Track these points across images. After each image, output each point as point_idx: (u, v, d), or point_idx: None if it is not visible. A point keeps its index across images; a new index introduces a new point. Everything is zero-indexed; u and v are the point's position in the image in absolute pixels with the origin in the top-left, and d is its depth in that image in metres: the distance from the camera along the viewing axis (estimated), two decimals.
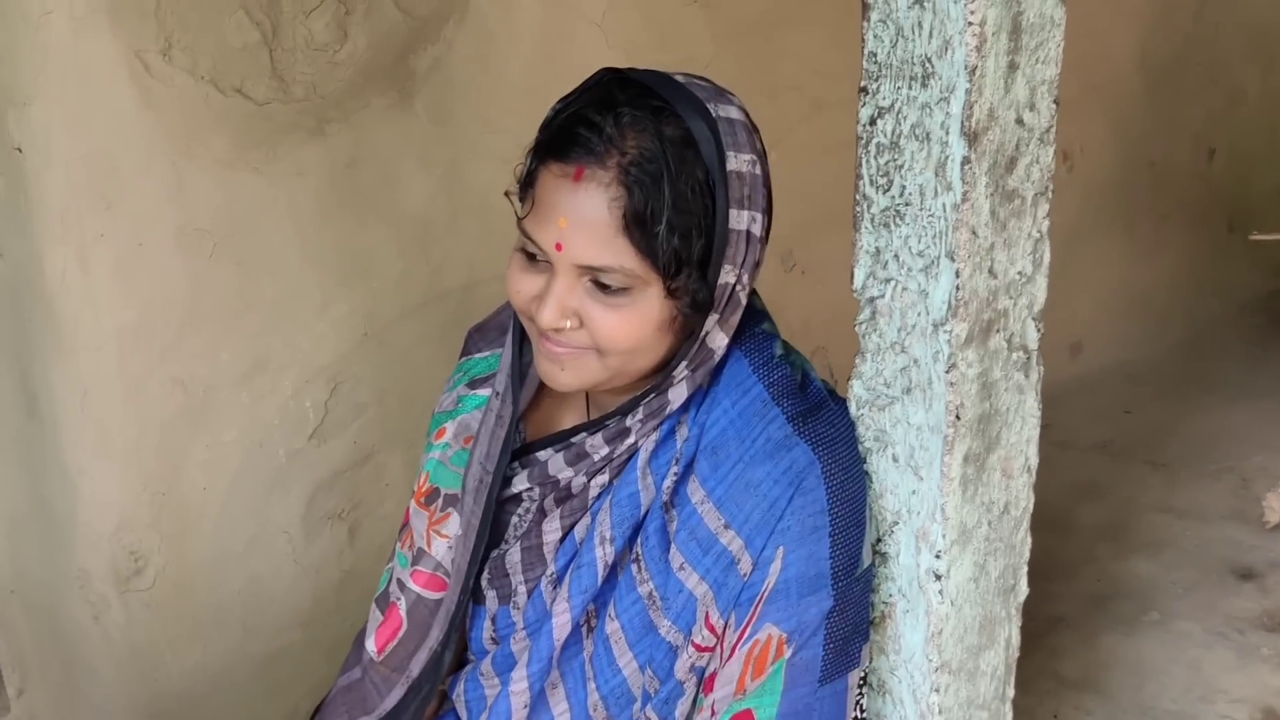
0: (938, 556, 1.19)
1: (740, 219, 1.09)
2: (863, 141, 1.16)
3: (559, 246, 1.06)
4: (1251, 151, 3.76)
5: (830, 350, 2.44)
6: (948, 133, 1.08)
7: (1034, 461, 1.27)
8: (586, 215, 1.04)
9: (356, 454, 1.95)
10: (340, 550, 1.97)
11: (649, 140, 1.05)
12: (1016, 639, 1.34)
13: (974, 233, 1.10)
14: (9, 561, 1.94)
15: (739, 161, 1.08)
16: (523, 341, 1.25)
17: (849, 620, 1.15)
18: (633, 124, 1.05)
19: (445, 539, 1.35)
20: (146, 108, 1.63)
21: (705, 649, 1.15)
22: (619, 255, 1.05)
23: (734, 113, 1.11)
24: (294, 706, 1.92)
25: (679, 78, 1.11)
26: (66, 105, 1.59)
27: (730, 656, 1.13)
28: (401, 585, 1.38)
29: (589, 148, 1.04)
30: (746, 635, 1.12)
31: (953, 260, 1.10)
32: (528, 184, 1.11)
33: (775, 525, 1.11)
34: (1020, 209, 1.14)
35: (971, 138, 1.06)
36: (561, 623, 1.22)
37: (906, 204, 1.13)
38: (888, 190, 1.14)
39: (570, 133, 1.06)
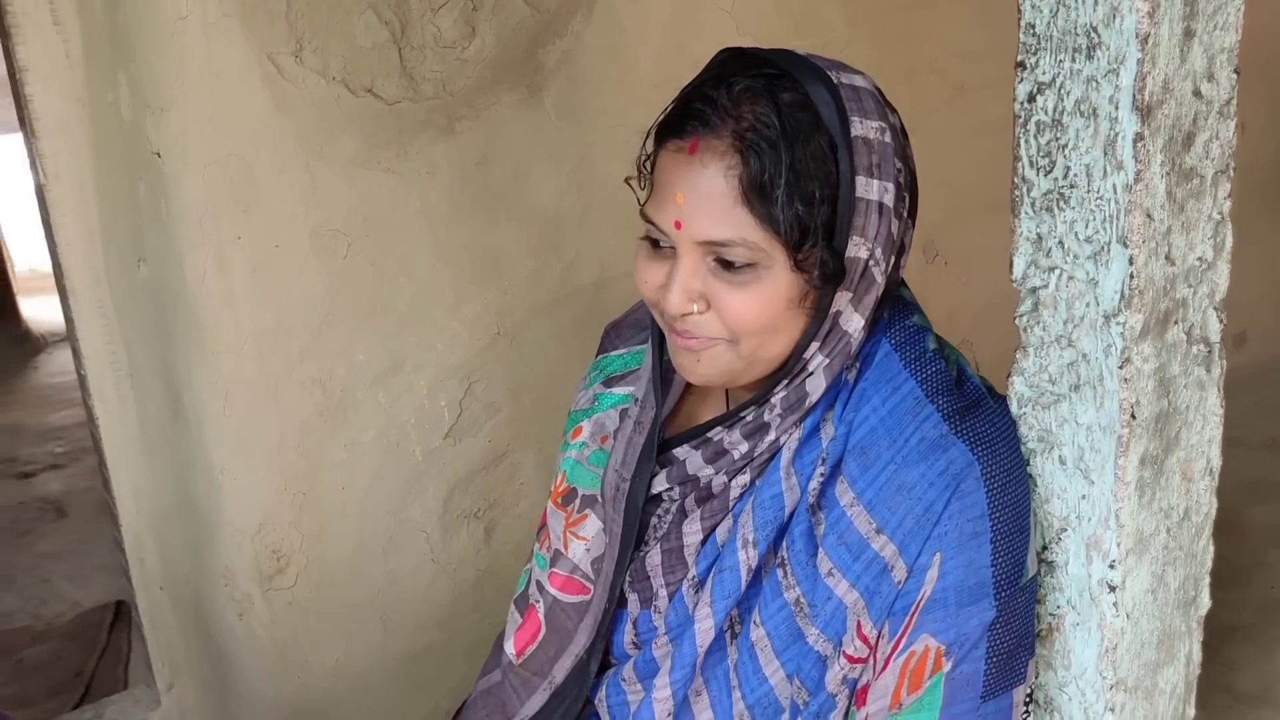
0: (1111, 566, 1.10)
1: (870, 188, 1.02)
2: (1020, 120, 1.07)
3: (678, 225, 1.01)
4: None
5: (976, 344, 2.33)
6: (1117, 107, 0.98)
7: (1216, 464, 1.16)
8: (703, 187, 0.99)
9: (491, 453, 1.93)
10: (477, 549, 1.95)
11: (765, 106, 0.99)
12: (1198, 655, 1.24)
13: (1149, 215, 1.00)
14: (158, 559, 1.98)
15: (865, 128, 1.01)
16: (663, 344, 1.20)
17: (1014, 632, 1.07)
18: (747, 92, 0.99)
19: (583, 541, 1.31)
20: (279, 110, 1.64)
21: (858, 660, 1.08)
22: (739, 227, 0.99)
23: (860, 81, 1.04)
24: (434, 705, 1.92)
25: (801, 52, 1.05)
26: (202, 109, 1.60)
27: (884, 668, 1.06)
28: (540, 587, 1.35)
29: (704, 120, 0.99)
30: (902, 646, 1.05)
31: (1125, 246, 1.01)
32: (647, 170, 1.06)
33: (931, 530, 1.04)
34: (1199, 189, 1.04)
35: (1145, 112, 0.97)
36: (705, 628, 1.16)
37: (1071, 186, 1.04)
38: (1050, 172, 1.05)
39: (686, 109, 1.01)
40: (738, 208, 0.98)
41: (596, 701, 1.33)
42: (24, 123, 1.80)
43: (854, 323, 1.08)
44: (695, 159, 0.99)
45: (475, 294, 1.85)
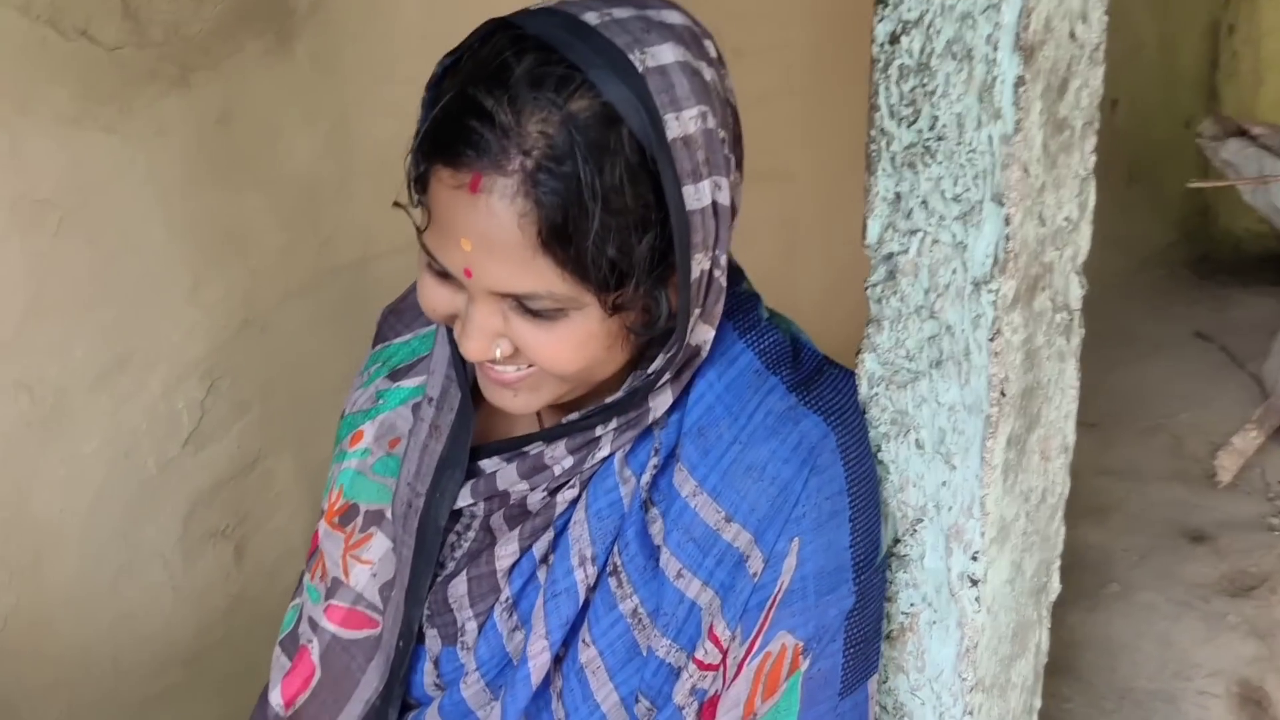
0: (974, 558, 1.01)
1: (700, 194, 0.86)
2: (879, 65, 0.95)
3: (468, 273, 0.85)
4: (1151, 101, 3.71)
5: None
6: (996, 48, 0.88)
7: (1071, 440, 1.09)
8: (493, 236, 0.82)
9: (240, 460, 1.69)
10: (226, 573, 1.71)
11: (557, 128, 0.81)
12: (1046, 643, 1.18)
13: (1025, 170, 0.90)
14: None
15: (683, 123, 0.84)
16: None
17: (869, 619, 0.99)
18: (534, 107, 0.81)
19: (367, 565, 1.12)
20: None
21: (710, 666, 0.95)
22: (541, 279, 0.83)
23: (666, 54, 0.85)
24: None
25: (591, 16, 0.84)
26: None
27: (736, 675, 0.95)
28: (313, 624, 1.15)
29: (481, 148, 0.80)
30: (756, 648, 0.94)
31: (1000, 204, 0.91)
32: (421, 188, 0.87)
33: (790, 513, 0.92)
34: (1069, 141, 0.96)
35: (1027, 53, 0.87)
36: (539, 664, 1.00)
37: (939, 139, 0.93)
38: (914, 123, 0.94)
39: (458, 125, 0.82)
40: (537, 258, 0.82)
41: None
42: None
43: (704, 335, 0.94)
44: (479, 199, 0.81)
45: (217, 275, 1.60)
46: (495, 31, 0.84)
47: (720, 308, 0.94)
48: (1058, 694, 1.77)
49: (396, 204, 0.90)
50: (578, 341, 0.87)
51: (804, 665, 0.93)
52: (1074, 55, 0.92)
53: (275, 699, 1.15)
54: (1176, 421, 2.73)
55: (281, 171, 1.64)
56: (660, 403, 0.95)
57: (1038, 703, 1.19)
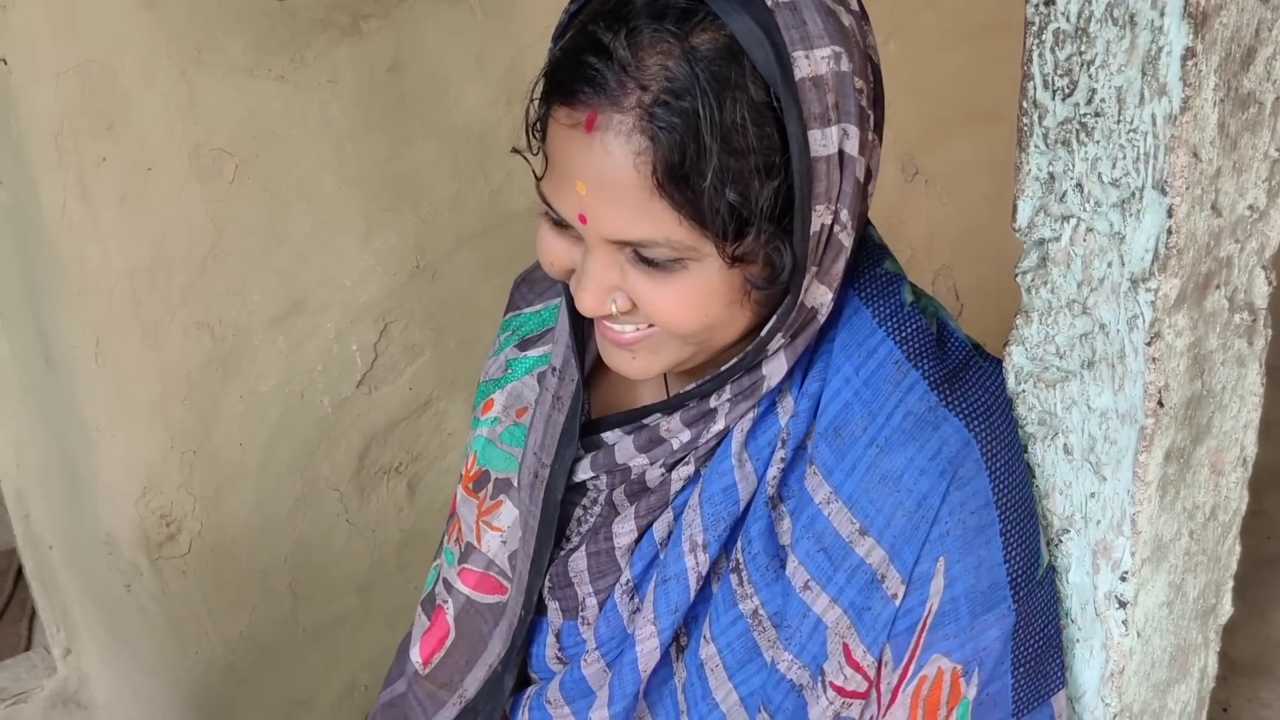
0: (1123, 579, 0.91)
1: (826, 140, 0.79)
2: (1034, 28, 0.85)
3: (583, 218, 0.80)
4: None
5: (956, 270, 2.13)
6: (1163, 14, 0.76)
7: (1252, 452, 0.97)
8: (608, 177, 0.77)
9: (413, 401, 1.72)
10: (399, 508, 1.76)
11: (676, 61, 0.75)
12: (1213, 668, 1.06)
13: (1195, 155, 0.79)
14: (45, 515, 1.77)
15: (814, 62, 0.78)
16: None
17: (1039, 634, 0.91)
18: (653, 41, 0.76)
19: (498, 532, 1.12)
20: (147, 6, 1.39)
21: (853, 694, 0.89)
22: (659, 224, 0.78)
23: None
24: (352, 679, 1.74)
25: None
26: (53, 5, 1.35)
27: (892, 702, 0.88)
28: (449, 586, 1.16)
29: (598, 84, 0.76)
30: (910, 673, 0.87)
31: (1163, 193, 0.79)
32: (540, 134, 0.83)
33: (929, 531, 0.85)
34: (1256, 120, 0.82)
35: (1199, 20, 0.75)
36: (648, 649, 0.97)
37: (1097, 115, 0.82)
38: (1069, 96, 0.84)
39: (575, 63, 0.77)
40: (654, 200, 0.77)
41: None
42: None
43: (821, 297, 0.87)
44: (594, 139, 0.76)
45: (389, 222, 1.62)
46: None
47: (840, 269, 0.87)
48: (1255, 698, 1.62)
49: (515, 150, 0.87)
50: (697, 297, 0.82)
51: (971, 693, 0.87)
52: (1262, 19, 0.79)
53: (415, 656, 1.17)
54: None
55: (452, 120, 1.64)
56: (774, 369, 0.89)
57: None
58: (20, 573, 2.51)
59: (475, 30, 1.62)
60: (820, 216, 0.82)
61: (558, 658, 1.09)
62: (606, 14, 0.78)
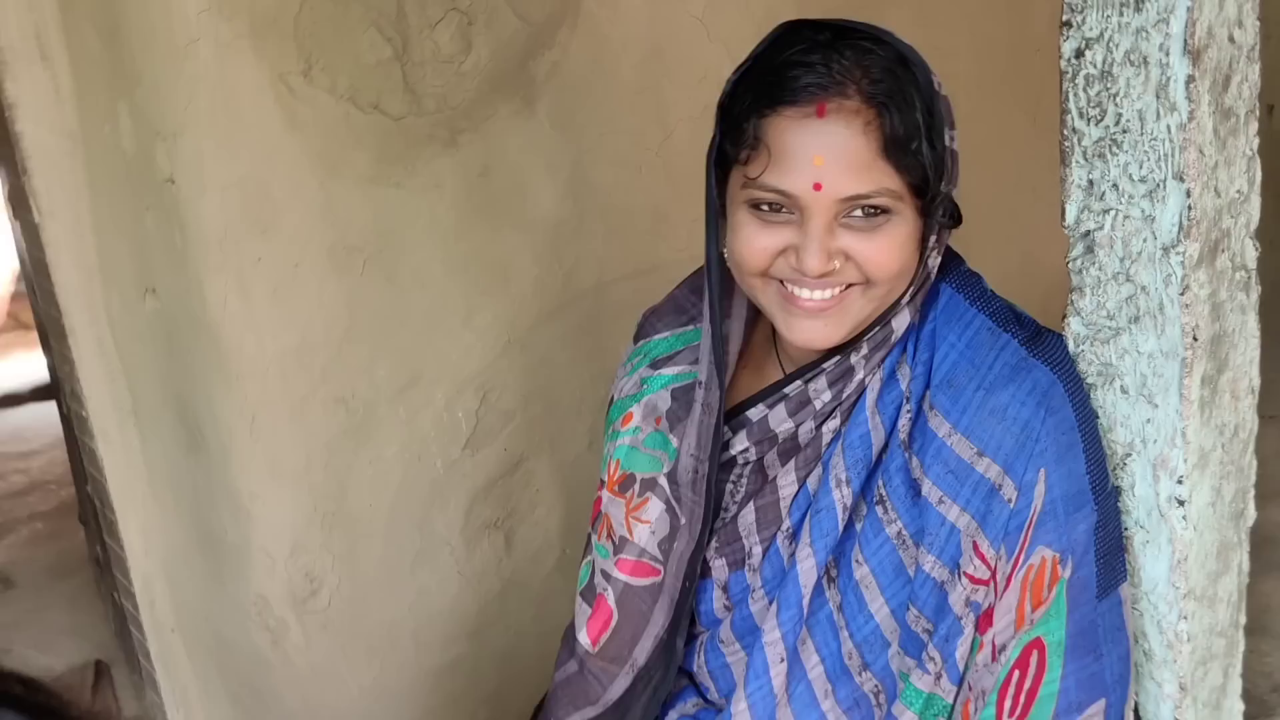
0: (1179, 482, 1.19)
1: (951, 138, 1.11)
2: (1069, 76, 1.16)
3: (817, 186, 1.06)
4: None
5: None
6: (1168, 54, 1.08)
7: (1257, 382, 1.26)
8: (843, 146, 1.05)
9: (507, 461, 1.95)
10: (499, 559, 1.97)
11: (877, 62, 1.05)
12: (1246, 564, 1.34)
13: (1201, 151, 1.10)
14: (169, 601, 1.95)
15: (938, 82, 1.10)
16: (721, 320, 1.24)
17: (1112, 533, 1.16)
18: (852, 52, 1.05)
19: (646, 524, 1.34)
20: (292, 129, 1.65)
21: (979, 581, 1.14)
22: (881, 178, 1.06)
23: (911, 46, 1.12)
24: (471, 714, 1.92)
25: (853, 19, 1.12)
26: (216, 132, 1.61)
27: (1006, 587, 1.13)
28: (606, 575, 1.37)
29: (820, 84, 1.04)
30: (1021, 562, 1.12)
31: (1181, 181, 1.10)
32: (747, 143, 1.10)
33: (1033, 449, 1.12)
34: (1236, 127, 1.15)
35: (1195, 56, 1.07)
36: (807, 569, 1.21)
37: (1124, 131, 1.13)
38: (1100, 120, 1.15)
39: (790, 78, 1.06)
40: (879, 160, 1.05)
41: (695, 670, 1.36)
42: (16, 162, 1.77)
43: (935, 261, 1.16)
44: (827, 121, 1.04)
45: (485, 304, 1.88)
46: (787, 28, 1.10)
47: (947, 239, 1.16)
48: (1257, 650, 1.89)
49: (709, 164, 1.15)
50: (898, 244, 1.09)
51: (1065, 574, 1.11)
52: (1234, 55, 1.12)
53: (583, 639, 1.38)
54: None
55: (532, 214, 1.91)
56: (900, 322, 1.16)
57: (1243, 619, 1.35)
58: (96, 683, 2.62)
59: (545, 140, 1.92)
60: (948, 193, 1.11)
61: (725, 606, 1.31)
62: (802, 48, 1.06)
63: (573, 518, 2.03)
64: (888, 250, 1.09)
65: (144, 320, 1.78)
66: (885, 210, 1.08)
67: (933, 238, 1.13)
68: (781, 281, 1.12)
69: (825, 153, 1.05)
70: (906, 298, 1.15)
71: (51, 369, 2.30)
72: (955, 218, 1.13)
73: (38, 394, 5.50)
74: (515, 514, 1.98)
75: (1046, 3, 1.47)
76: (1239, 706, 1.41)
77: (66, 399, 1.97)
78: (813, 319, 1.13)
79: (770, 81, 1.07)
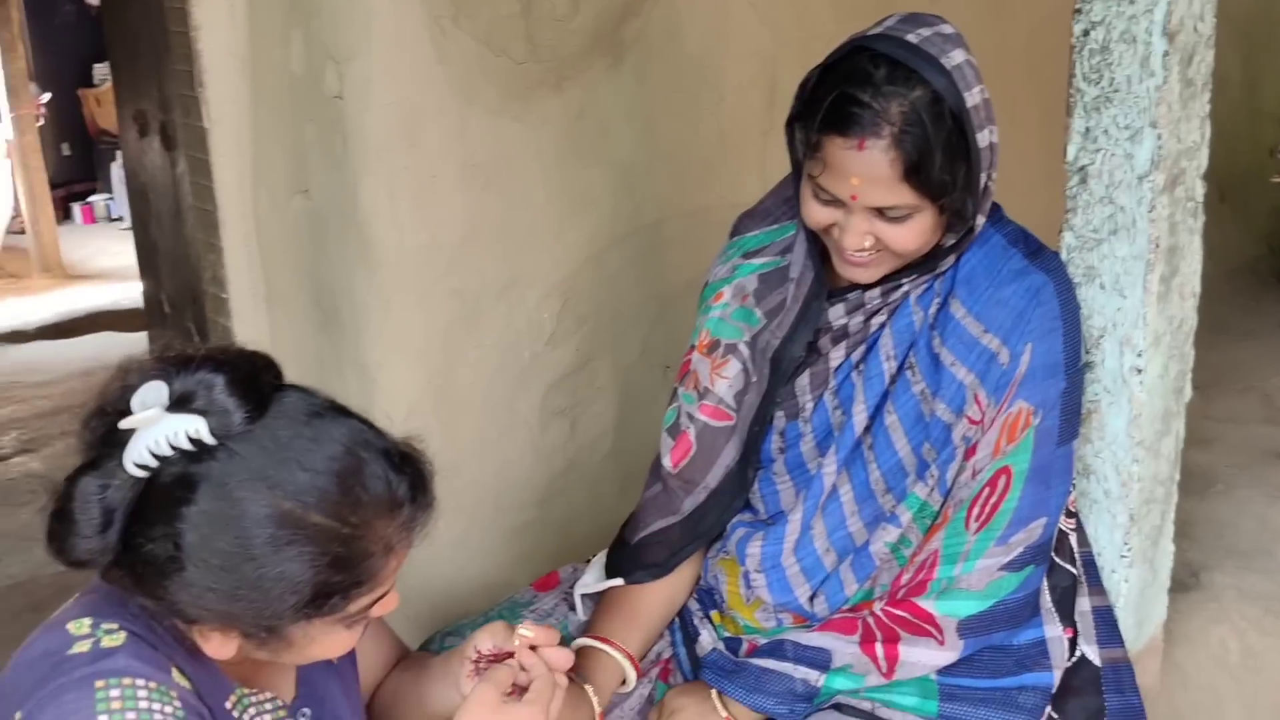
0: (1139, 355, 1.61)
1: (984, 137, 1.45)
2: (1077, 49, 1.59)
3: (854, 197, 1.42)
4: (1238, 132, 4.29)
5: None
6: (1151, 35, 1.51)
7: (1198, 289, 1.70)
8: (874, 173, 1.38)
9: (578, 360, 2.33)
10: (565, 442, 2.34)
11: (908, 107, 1.39)
12: (1182, 432, 1.77)
13: (1169, 108, 1.53)
14: None
15: (973, 96, 1.43)
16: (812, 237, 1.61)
17: (1074, 399, 1.55)
18: (893, 96, 1.39)
19: (726, 380, 1.71)
20: (441, 63, 2.02)
21: (975, 422, 1.54)
22: (902, 196, 1.41)
23: (959, 56, 1.43)
24: (535, 572, 2.28)
25: (911, 38, 1.40)
26: (384, 60, 1.97)
27: (990, 427, 1.53)
28: (690, 417, 1.73)
29: (863, 125, 1.37)
30: (1004, 409, 1.52)
31: (1155, 128, 1.53)
32: (812, 148, 1.44)
33: (1024, 329, 1.51)
34: (1195, 93, 1.58)
35: (1170, 37, 1.50)
36: (860, 420, 1.61)
37: (1115, 90, 1.56)
38: (1098, 82, 1.57)
39: (844, 111, 1.38)
40: (900, 184, 1.40)
41: (750, 496, 1.76)
42: (194, 75, 2.12)
43: (979, 222, 1.52)
44: (864, 153, 1.39)
45: (572, 224, 2.25)
46: (854, 51, 1.44)
47: (989, 204, 1.56)
48: (1178, 551, 2.31)
49: (794, 157, 1.56)
50: (919, 232, 1.45)
51: (1035, 421, 1.52)
52: (1196, 40, 1.55)
53: (666, 463, 1.72)
54: (1268, 384, 3.28)
55: (613, 154, 2.29)
56: (945, 263, 1.55)
57: (1177, 475, 1.78)
58: None
59: (628, 93, 2.30)
60: (986, 178, 1.51)
61: (779, 448, 1.70)
62: (859, 81, 1.37)
63: (624, 414, 2.41)
64: (907, 236, 1.45)
65: (291, 216, 2.14)
66: (907, 214, 1.44)
67: (980, 217, 1.49)
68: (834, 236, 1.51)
69: (861, 175, 1.39)
70: (949, 251, 1.52)
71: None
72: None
73: (44, 332, 5.78)
74: (579, 404, 2.36)
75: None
76: (1170, 548, 1.84)
77: (206, 283, 2.30)
78: (855, 267, 1.50)
79: (832, 110, 1.41)
